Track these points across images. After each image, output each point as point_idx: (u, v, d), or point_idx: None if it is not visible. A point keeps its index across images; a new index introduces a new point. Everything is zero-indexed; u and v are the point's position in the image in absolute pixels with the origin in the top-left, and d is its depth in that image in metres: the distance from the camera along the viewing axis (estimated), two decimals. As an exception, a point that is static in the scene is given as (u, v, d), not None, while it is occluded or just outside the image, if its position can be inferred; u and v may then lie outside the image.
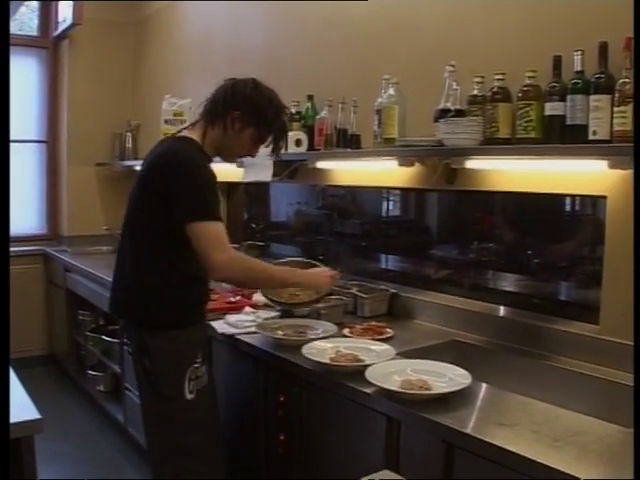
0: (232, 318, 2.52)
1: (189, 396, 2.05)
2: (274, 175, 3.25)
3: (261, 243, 3.69)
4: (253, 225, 4.06)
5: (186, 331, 2.07)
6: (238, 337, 2.35)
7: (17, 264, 4.87)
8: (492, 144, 2.07)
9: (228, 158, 2.24)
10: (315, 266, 2.51)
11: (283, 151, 2.31)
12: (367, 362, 1.92)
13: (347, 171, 2.98)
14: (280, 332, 2.29)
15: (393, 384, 1.72)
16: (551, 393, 1.89)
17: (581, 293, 2.22)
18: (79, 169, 4.99)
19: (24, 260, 4.90)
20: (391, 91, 2.36)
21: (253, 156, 2.23)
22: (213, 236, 1.95)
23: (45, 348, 5.01)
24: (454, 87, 2.23)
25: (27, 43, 4.94)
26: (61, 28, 4.62)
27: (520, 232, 2.42)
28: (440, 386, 1.73)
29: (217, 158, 2.20)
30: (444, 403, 1.66)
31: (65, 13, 4.55)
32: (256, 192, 3.96)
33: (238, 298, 2.90)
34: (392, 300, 2.73)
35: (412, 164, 2.45)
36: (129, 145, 5.05)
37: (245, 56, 3.77)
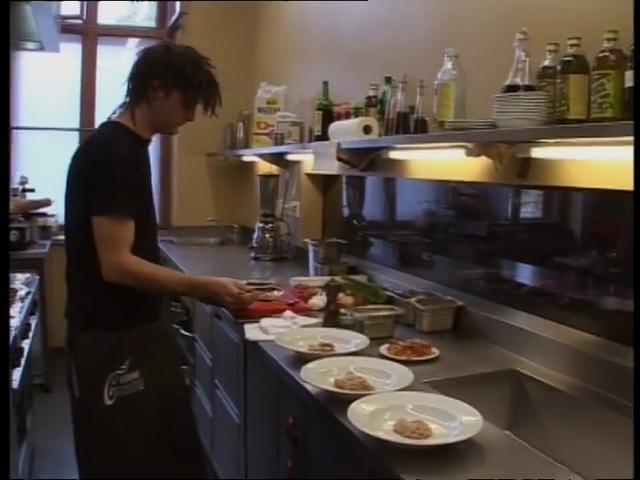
0: (267, 322, 2.26)
1: (108, 402, 1.88)
2: (352, 166, 2.96)
3: (343, 241, 3.38)
4: (355, 222, 3.76)
5: (113, 333, 1.90)
6: (261, 345, 2.09)
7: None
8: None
9: (167, 131, 2.12)
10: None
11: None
12: (374, 391, 1.58)
13: (421, 162, 2.60)
14: (301, 343, 1.99)
15: (379, 426, 1.36)
16: (612, 461, 1.43)
17: None
18: (190, 159, 4.99)
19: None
20: (448, 65, 1.96)
21: (192, 120, 2.06)
22: (106, 235, 1.83)
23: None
24: (523, 59, 1.80)
25: (145, 35, 5.02)
26: (173, 18, 4.62)
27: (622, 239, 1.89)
28: (441, 433, 1.34)
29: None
30: (442, 456, 1.28)
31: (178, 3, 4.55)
32: (359, 188, 3.62)
33: (296, 300, 2.64)
34: (459, 314, 2.32)
35: (479, 154, 2.03)
36: (240, 135, 4.95)
37: (338, 41, 3.49)
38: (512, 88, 1.80)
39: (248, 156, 4.55)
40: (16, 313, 2.39)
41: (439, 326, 2.28)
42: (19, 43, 2.95)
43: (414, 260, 2.89)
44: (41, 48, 2.98)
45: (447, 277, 2.55)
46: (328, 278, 2.55)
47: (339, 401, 1.54)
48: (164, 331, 2.10)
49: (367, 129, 2.58)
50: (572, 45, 1.64)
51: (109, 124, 2.04)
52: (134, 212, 1.87)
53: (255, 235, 4.02)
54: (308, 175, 3.82)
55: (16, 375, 2.23)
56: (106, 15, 4.98)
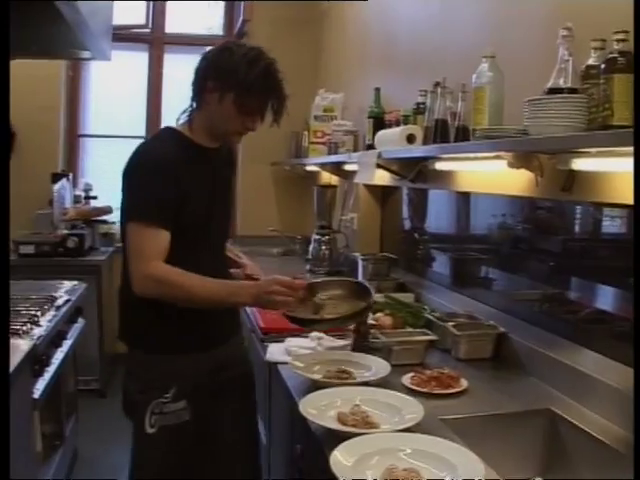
0: (292, 342, 2.14)
1: (149, 430, 1.73)
2: (402, 177, 2.80)
3: (393, 256, 3.20)
4: (416, 235, 3.57)
5: (161, 358, 1.77)
6: (279, 367, 1.96)
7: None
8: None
9: (225, 138, 1.89)
10: (364, 289, 1.96)
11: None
12: (377, 429, 1.42)
13: (467, 173, 2.38)
14: (317, 368, 1.84)
15: (363, 473, 1.20)
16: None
17: None
18: (254, 168, 4.94)
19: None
20: (484, 67, 1.77)
21: (252, 130, 1.84)
22: (134, 243, 1.69)
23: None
24: (566, 58, 1.59)
25: (211, 43, 4.99)
26: (237, 25, 4.59)
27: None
28: (433, 486, 1.17)
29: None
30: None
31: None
32: (421, 200, 3.43)
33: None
34: (500, 341, 2.10)
35: (519, 165, 1.83)
36: (305, 144, 4.85)
37: (395, 46, 3.31)
38: (554, 91, 1.59)
39: (310, 165, 4.45)
40: (45, 322, 2.36)
41: (477, 354, 2.08)
42: (70, 52, 2.94)
43: (466, 279, 2.68)
44: (92, 57, 2.97)
45: (499, 299, 2.32)
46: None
47: (337, 437, 1.39)
48: (225, 361, 1.89)
49: (411, 138, 2.41)
50: (619, 40, 1.42)
51: (162, 129, 1.95)
52: (168, 221, 1.70)
53: (311, 247, 3.91)
54: (366, 186, 3.66)
55: (40, 384, 2.19)
56: (188, 24, 5.03)
